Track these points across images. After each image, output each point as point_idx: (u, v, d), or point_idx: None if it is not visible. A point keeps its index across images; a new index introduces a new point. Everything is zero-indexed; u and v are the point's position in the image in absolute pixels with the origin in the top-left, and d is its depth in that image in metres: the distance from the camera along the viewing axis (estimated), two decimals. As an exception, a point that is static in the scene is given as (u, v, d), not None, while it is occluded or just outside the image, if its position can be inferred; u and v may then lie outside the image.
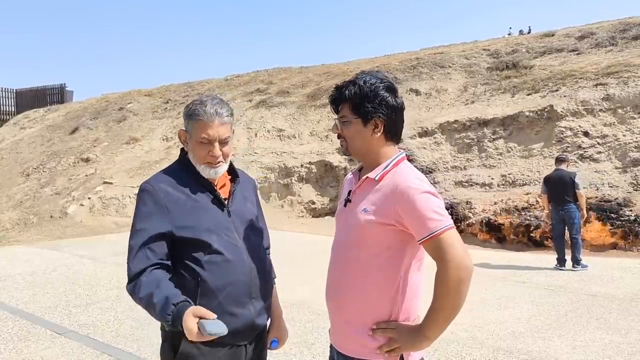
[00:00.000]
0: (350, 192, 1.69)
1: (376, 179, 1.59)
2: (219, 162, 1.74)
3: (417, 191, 1.49)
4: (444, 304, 1.45)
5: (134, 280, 1.61)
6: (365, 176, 1.62)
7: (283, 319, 1.97)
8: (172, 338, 1.68)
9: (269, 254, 1.96)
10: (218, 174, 1.76)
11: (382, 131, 1.60)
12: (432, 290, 1.47)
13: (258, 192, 2.10)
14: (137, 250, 1.64)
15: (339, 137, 1.67)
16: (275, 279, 1.94)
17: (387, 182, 1.57)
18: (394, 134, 1.64)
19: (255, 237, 1.82)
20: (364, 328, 1.57)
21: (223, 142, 1.73)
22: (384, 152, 1.63)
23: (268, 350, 1.91)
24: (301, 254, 7.49)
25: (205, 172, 1.74)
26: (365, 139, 1.61)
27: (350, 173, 1.80)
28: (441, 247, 1.45)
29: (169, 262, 1.66)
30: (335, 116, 1.68)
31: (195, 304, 1.62)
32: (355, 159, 1.70)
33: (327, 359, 3.81)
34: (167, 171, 1.77)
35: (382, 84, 1.60)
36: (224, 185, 1.82)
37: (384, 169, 1.59)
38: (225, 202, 1.77)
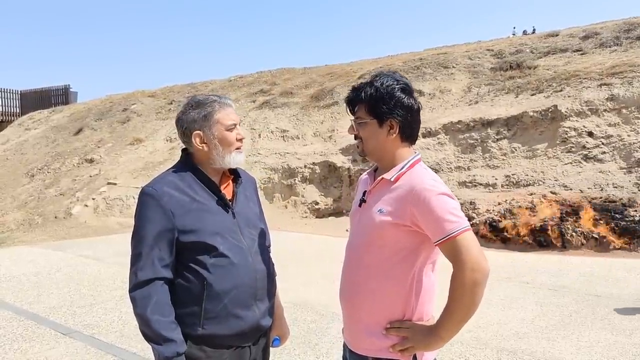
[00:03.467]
0: (365, 192, 1.70)
1: (392, 180, 1.60)
2: (242, 146, 1.82)
3: (433, 193, 1.50)
4: (459, 305, 1.46)
5: (140, 288, 1.62)
6: (380, 177, 1.63)
7: (284, 317, 1.97)
8: None
9: (269, 252, 1.97)
10: (243, 159, 1.82)
11: (397, 132, 1.61)
12: (443, 291, 1.47)
13: (259, 191, 2.13)
14: (142, 257, 1.64)
15: (355, 138, 1.68)
16: (276, 278, 1.95)
17: (403, 183, 1.58)
18: (409, 134, 1.65)
19: (259, 238, 1.83)
20: (377, 327, 1.58)
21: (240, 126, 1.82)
22: (399, 154, 1.64)
23: (270, 348, 1.92)
24: (305, 255, 7.49)
25: (237, 159, 1.79)
26: (381, 139, 1.62)
27: (366, 173, 1.82)
28: (457, 249, 1.46)
29: (171, 276, 1.67)
30: (352, 117, 1.69)
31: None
32: (371, 160, 1.71)
33: (331, 359, 3.81)
34: (170, 174, 1.76)
35: (398, 85, 1.62)
36: (227, 186, 1.82)
37: (400, 170, 1.60)
38: (230, 204, 1.78)
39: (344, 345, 1.74)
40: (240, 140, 1.80)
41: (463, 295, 1.45)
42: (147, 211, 1.66)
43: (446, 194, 1.52)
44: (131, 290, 1.64)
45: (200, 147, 1.74)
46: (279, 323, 1.93)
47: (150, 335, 1.61)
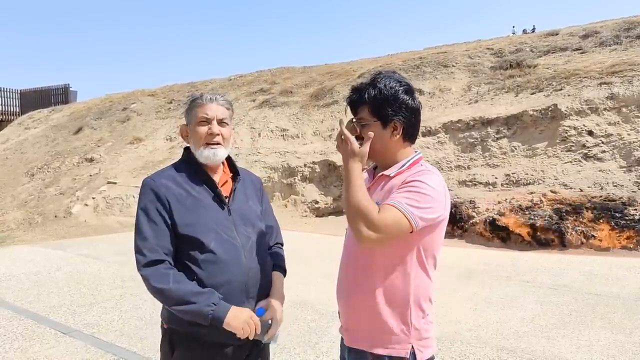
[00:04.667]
0: None
1: (391, 176, 1.62)
2: (217, 144, 1.77)
3: (422, 180, 1.53)
4: (350, 199, 1.51)
5: (152, 266, 1.62)
6: (380, 174, 1.65)
7: (281, 306, 1.84)
8: (170, 335, 1.72)
9: (281, 248, 2.00)
10: (217, 157, 1.78)
11: (400, 133, 1.63)
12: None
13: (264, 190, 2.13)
14: (149, 240, 1.65)
15: (357, 138, 1.68)
16: (285, 276, 1.95)
17: (401, 176, 1.60)
18: (411, 134, 1.67)
19: (256, 236, 1.82)
20: (375, 324, 1.59)
21: (222, 123, 1.79)
22: (401, 154, 1.66)
23: (270, 347, 1.90)
24: (305, 254, 7.49)
25: (204, 154, 1.76)
26: (384, 140, 1.63)
27: (364, 171, 1.82)
28: (386, 212, 1.47)
29: (173, 264, 1.68)
30: (353, 118, 1.69)
31: None
32: (372, 160, 1.71)
33: (331, 358, 3.81)
34: (170, 168, 1.81)
35: (402, 87, 1.63)
36: (225, 183, 1.84)
37: (400, 167, 1.63)
38: (226, 200, 1.78)
39: (341, 344, 1.74)
40: (212, 135, 1.76)
41: (358, 210, 1.47)
42: (146, 200, 1.71)
43: (427, 192, 1.51)
44: (144, 267, 1.63)
45: (186, 140, 1.85)
46: (271, 301, 1.79)
47: (180, 300, 1.58)
